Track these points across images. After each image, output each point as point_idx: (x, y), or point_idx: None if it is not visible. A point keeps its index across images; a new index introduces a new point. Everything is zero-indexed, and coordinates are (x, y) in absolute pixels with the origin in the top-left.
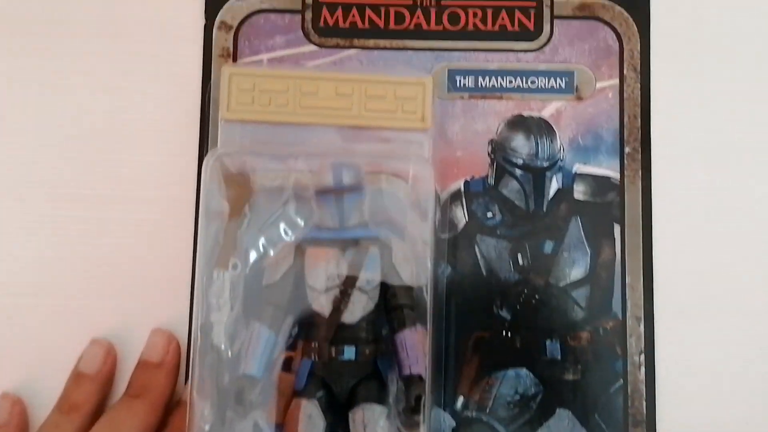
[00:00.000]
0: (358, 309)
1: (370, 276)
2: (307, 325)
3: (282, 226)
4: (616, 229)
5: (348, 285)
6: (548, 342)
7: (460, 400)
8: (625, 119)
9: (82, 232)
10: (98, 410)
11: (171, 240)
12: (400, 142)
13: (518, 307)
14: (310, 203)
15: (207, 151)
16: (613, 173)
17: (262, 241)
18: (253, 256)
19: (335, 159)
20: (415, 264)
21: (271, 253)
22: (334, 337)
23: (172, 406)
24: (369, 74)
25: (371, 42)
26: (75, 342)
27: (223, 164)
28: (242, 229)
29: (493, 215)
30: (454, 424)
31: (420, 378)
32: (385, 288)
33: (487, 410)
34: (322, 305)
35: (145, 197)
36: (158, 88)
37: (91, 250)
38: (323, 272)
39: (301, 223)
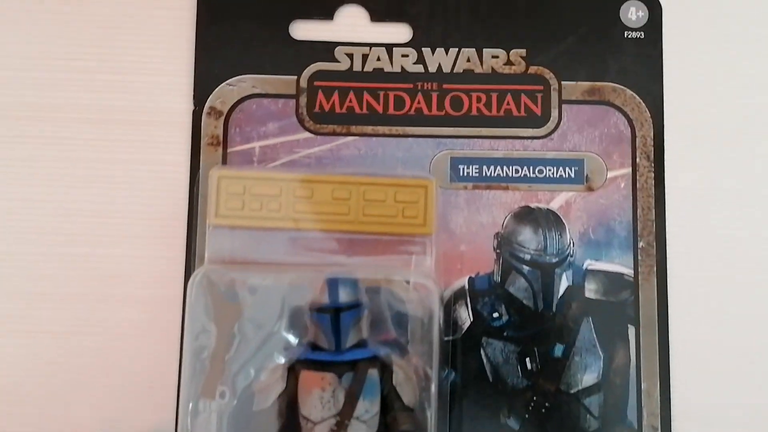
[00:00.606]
0: None
1: (369, 404)
2: None
3: (273, 348)
4: (631, 330)
5: (345, 416)
6: None
7: None
8: (639, 211)
9: (65, 332)
10: None
11: (155, 342)
12: (401, 248)
13: (527, 415)
14: (304, 320)
15: (194, 254)
16: (627, 270)
17: (251, 364)
18: (242, 382)
19: (331, 271)
20: (417, 384)
21: (262, 377)
22: None
23: None
24: (367, 176)
25: (369, 128)
26: None
27: (211, 281)
28: (231, 352)
29: (500, 315)
30: None
31: None
32: (384, 412)
33: None
34: None
35: (129, 294)
36: (142, 179)
37: (69, 366)
38: (318, 400)
39: (293, 341)
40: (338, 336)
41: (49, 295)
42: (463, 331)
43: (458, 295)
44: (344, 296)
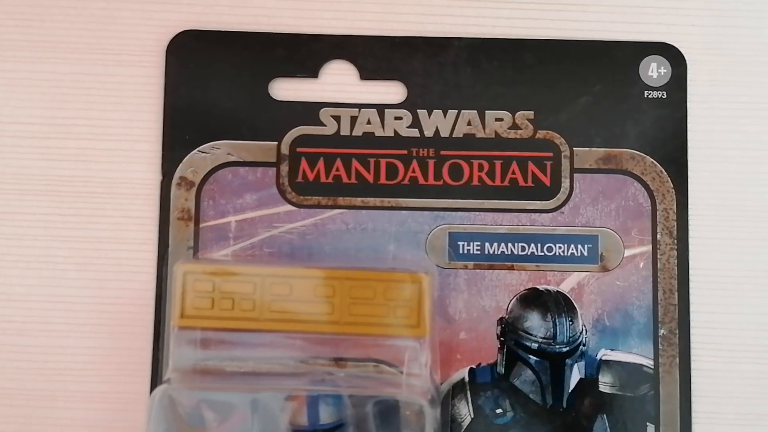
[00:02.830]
0: None
1: None
2: None
3: None
4: (650, 429)
5: None
6: None
7: None
8: (660, 294)
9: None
10: None
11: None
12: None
13: None
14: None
15: (163, 357)
16: (646, 361)
17: None
18: None
19: (310, 386)
20: None
21: None
22: None
23: None
24: (353, 270)
25: (358, 200)
26: None
27: (173, 402)
28: None
29: (504, 412)
30: None
31: None
32: None
33: None
34: None
35: (87, 390)
36: (106, 256)
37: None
38: None
39: None
40: None
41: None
42: (463, 430)
43: (457, 389)
44: (326, 416)
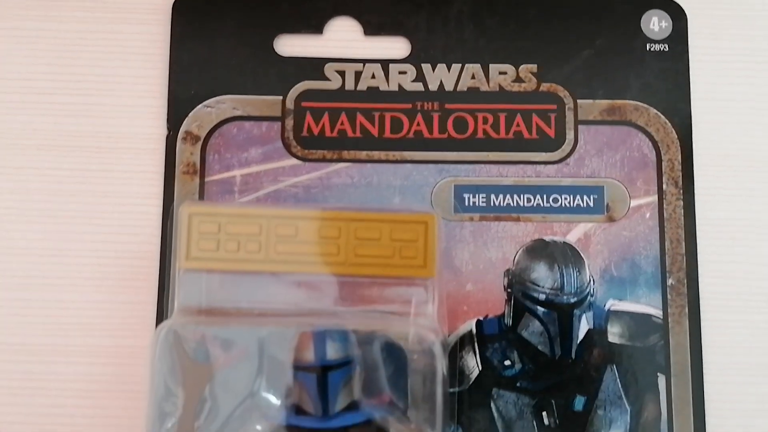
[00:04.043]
0: None
1: None
2: None
3: (251, 413)
4: (661, 380)
5: None
6: None
7: None
8: (667, 244)
9: (15, 387)
10: None
11: (120, 396)
12: (398, 292)
13: None
14: (286, 378)
15: (168, 300)
16: (655, 311)
17: None
18: None
19: (317, 322)
20: None
21: None
22: None
23: None
24: (359, 211)
25: (363, 154)
26: None
27: (178, 337)
28: (201, 420)
29: (512, 364)
30: None
31: None
32: None
33: None
34: None
35: (90, 343)
36: (112, 210)
37: (25, 409)
38: None
39: (275, 402)
40: (326, 399)
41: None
42: (471, 382)
43: (465, 341)
44: (333, 352)
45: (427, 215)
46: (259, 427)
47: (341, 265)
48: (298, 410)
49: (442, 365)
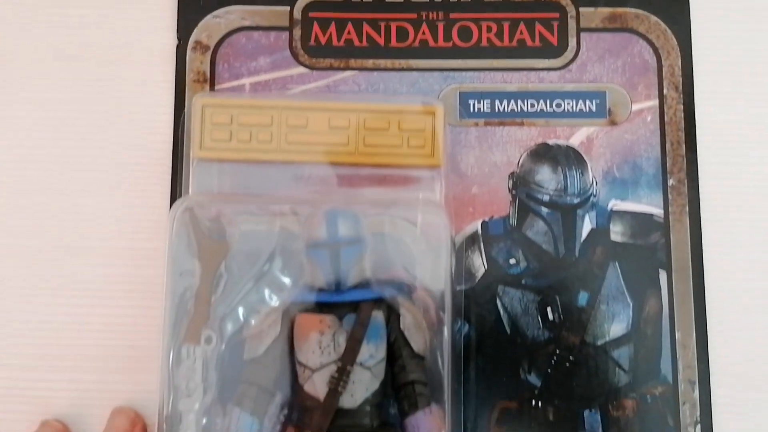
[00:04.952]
0: (359, 390)
1: (373, 348)
2: (298, 410)
3: (265, 287)
4: (662, 275)
5: (347, 361)
6: (586, 413)
7: None
8: (668, 146)
9: (32, 295)
10: None
11: (136, 296)
12: (406, 182)
13: (549, 371)
14: (300, 258)
15: (179, 197)
16: (656, 210)
17: (241, 307)
18: (230, 326)
19: (329, 206)
20: (427, 330)
21: (253, 321)
22: (331, 425)
23: None
24: (368, 102)
25: (370, 62)
26: (23, 422)
27: (194, 215)
28: (217, 293)
29: (517, 262)
30: None
31: None
32: (391, 361)
33: None
34: (316, 386)
35: (105, 246)
36: (125, 119)
37: (44, 316)
38: (316, 345)
39: (288, 283)
40: (338, 274)
41: (22, 251)
42: (477, 280)
43: (471, 241)
44: (344, 230)
45: (434, 106)
46: (273, 303)
47: (351, 155)
48: (311, 289)
49: (448, 239)
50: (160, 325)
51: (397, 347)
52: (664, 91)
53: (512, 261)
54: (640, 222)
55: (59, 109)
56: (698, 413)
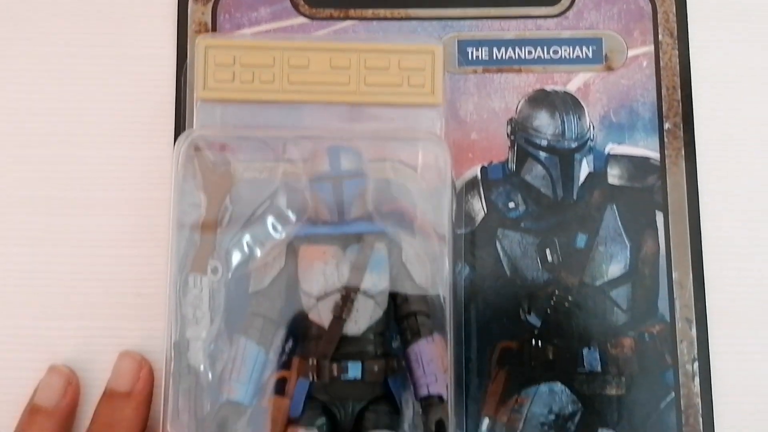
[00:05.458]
0: (363, 317)
1: (376, 277)
2: (303, 339)
3: (270, 220)
4: (659, 217)
5: (351, 289)
6: (585, 351)
7: (486, 423)
8: (663, 91)
9: (38, 238)
10: None
11: (142, 244)
12: (406, 122)
13: (549, 311)
14: (303, 194)
15: None
16: (652, 153)
17: (246, 239)
18: (236, 258)
19: (331, 142)
20: (429, 263)
21: (258, 253)
22: (335, 352)
23: None
24: (368, 43)
25: (369, 12)
26: (30, 370)
27: (199, 148)
28: (223, 225)
29: (516, 206)
30: None
31: (440, 399)
32: (394, 292)
33: None
34: (321, 314)
35: (111, 196)
36: (126, 71)
37: (49, 259)
38: (321, 274)
39: (292, 217)
40: (341, 206)
41: (26, 196)
42: (477, 224)
43: (470, 186)
44: (347, 163)
45: (434, 45)
46: (277, 236)
47: (352, 94)
48: (314, 222)
49: (450, 169)
50: (165, 273)
51: (399, 280)
52: (659, 37)
53: (511, 205)
54: (636, 165)
55: (61, 63)
56: (695, 351)
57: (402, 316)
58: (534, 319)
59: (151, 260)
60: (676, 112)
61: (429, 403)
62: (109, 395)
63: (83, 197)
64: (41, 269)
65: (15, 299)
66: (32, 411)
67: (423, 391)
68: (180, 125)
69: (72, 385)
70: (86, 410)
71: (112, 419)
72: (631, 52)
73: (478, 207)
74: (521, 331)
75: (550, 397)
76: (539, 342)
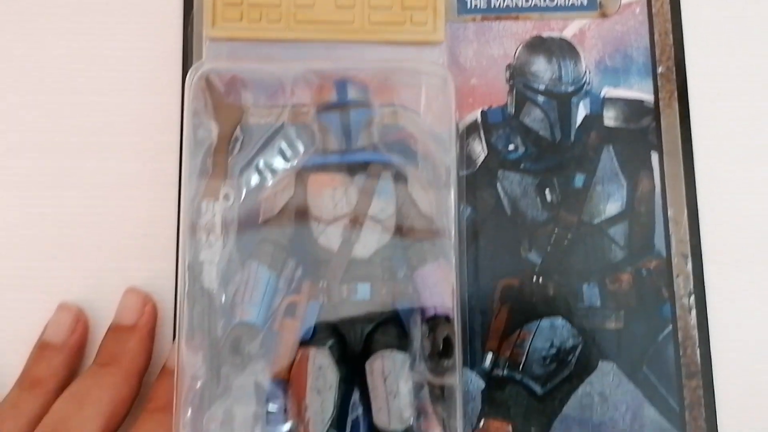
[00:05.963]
0: (371, 241)
1: (384, 203)
2: (313, 263)
3: (280, 146)
4: (654, 156)
5: (359, 213)
6: (585, 287)
7: (489, 357)
8: (656, 36)
9: (49, 181)
10: (65, 385)
11: (150, 187)
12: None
13: (549, 248)
14: (311, 127)
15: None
16: (647, 96)
17: (257, 165)
18: (245, 188)
19: (337, 76)
20: (434, 193)
21: (269, 181)
22: (344, 274)
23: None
24: None
25: None
26: (41, 308)
27: (209, 81)
28: (234, 154)
29: (516, 148)
30: (483, 385)
31: (447, 319)
32: (400, 220)
33: (520, 368)
34: (330, 238)
35: (119, 141)
36: (132, 23)
37: (58, 201)
38: (330, 200)
39: (301, 148)
40: (348, 135)
41: (36, 140)
42: (478, 166)
43: (471, 129)
44: (354, 94)
45: None
46: (287, 166)
47: (356, 32)
48: (323, 152)
49: (453, 98)
50: (173, 208)
51: (405, 209)
52: None
53: (511, 147)
54: (631, 107)
55: (69, 7)
56: (691, 285)
57: (408, 242)
58: (534, 257)
59: (159, 203)
60: (668, 56)
61: (436, 323)
62: (114, 329)
63: (93, 142)
64: (52, 212)
65: (26, 240)
66: (42, 347)
67: (430, 312)
68: (188, 68)
69: (81, 322)
70: (95, 348)
71: (116, 350)
72: (625, 0)
73: (479, 149)
74: (522, 268)
75: (552, 331)
76: (540, 278)
